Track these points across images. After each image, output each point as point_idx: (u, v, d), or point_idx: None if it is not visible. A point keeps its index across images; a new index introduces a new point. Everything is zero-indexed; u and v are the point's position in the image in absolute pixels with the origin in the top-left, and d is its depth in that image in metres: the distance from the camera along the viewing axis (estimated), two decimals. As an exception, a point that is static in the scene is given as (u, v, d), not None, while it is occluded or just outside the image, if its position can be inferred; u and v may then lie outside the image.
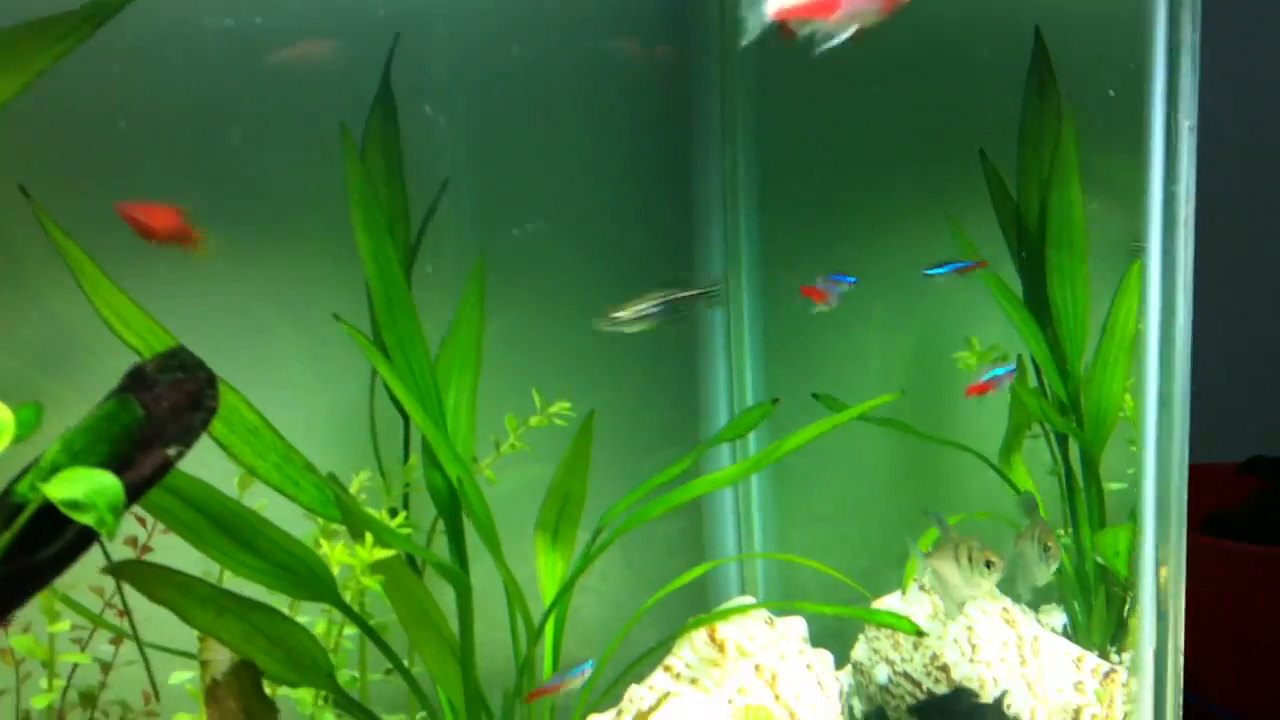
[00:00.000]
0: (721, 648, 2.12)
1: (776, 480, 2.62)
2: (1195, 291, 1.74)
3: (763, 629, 2.17)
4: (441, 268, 2.22)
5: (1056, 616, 2.55)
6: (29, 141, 1.91)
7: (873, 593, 2.24)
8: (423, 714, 2.04)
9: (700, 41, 2.51)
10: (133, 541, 1.83)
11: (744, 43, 1.57)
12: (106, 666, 1.82)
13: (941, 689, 2.22)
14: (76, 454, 1.29)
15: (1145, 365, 1.79)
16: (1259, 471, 3.17)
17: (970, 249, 2.38)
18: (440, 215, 2.20)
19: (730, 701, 2.05)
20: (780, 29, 1.53)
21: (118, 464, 1.30)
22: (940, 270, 2.24)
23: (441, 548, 2.05)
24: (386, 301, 1.92)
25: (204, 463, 1.70)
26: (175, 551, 1.71)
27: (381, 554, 1.82)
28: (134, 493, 1.29)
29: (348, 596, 1.87)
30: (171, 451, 1.33)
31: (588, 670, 1.94)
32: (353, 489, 2.03)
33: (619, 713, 2.12)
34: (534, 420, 2.09)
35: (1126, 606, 2.37)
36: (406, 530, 2.06)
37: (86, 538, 1.28)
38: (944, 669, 2.23)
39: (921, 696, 2.24)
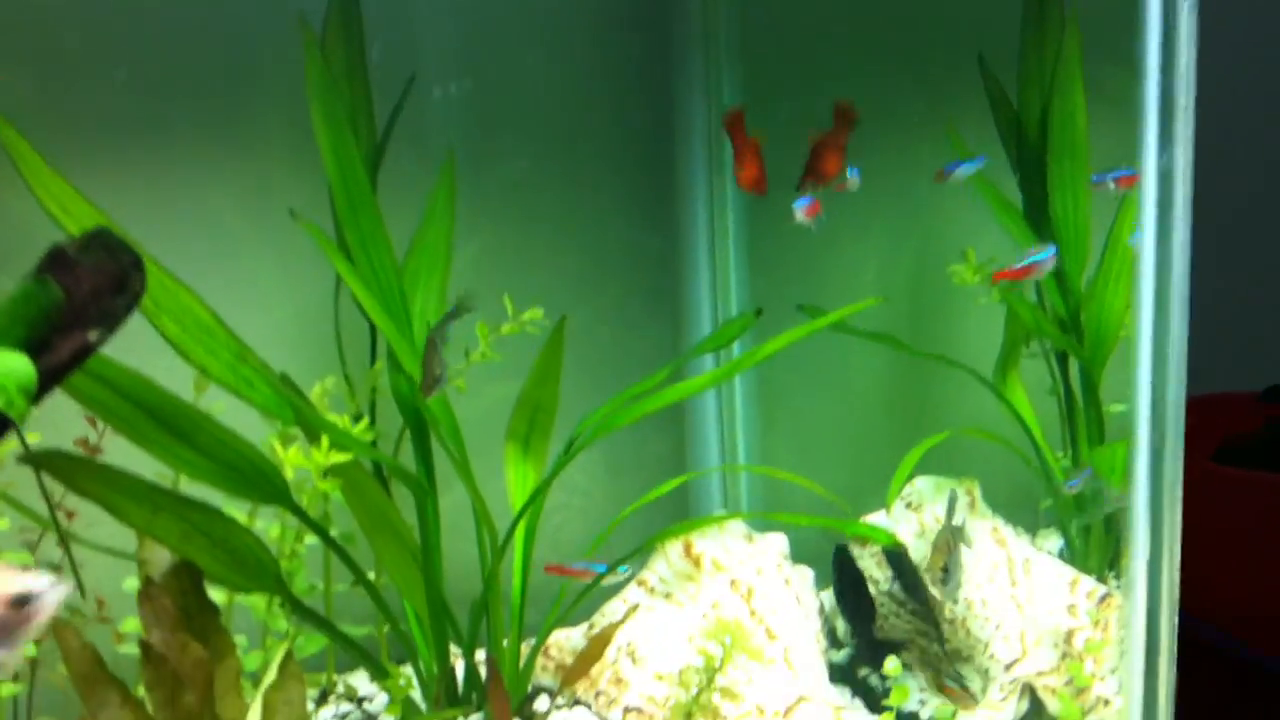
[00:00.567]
0: (697, 562, 2.06)
1: (762, 398, 2.54)
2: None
3: (741, 544, 2.11)
4: (413, 171, 2.14)
5: (1054, 541, 2.48)
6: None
7: (858, 511, 2.17)
8: (388, 627, 1.99)
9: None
10: (84, 443, 1.78)
11: None
12: (57, 569, 1.77)
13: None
14: (-10, 336, 1.23)
15: (1140, 276, 1.70)
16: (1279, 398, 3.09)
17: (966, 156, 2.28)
18: (411, 117, 2.12)
19: (704, 616, 2.00)
20: None
21: (34, 347, 1.24)
22: (1107, 176, 2.09)
23: (410, 459, 1.99)
24: (348, 198, 1.85)
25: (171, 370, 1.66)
26: (134, 459, 1.65)
27: (338, 458, 1.76)
28: (50, 377, 1.25)
29: (304, 501, 1.82)
30: (92, 336, 1.28)
31: (621, 572, 1.91)
32: (315, 395, 1.96)
33: (591, 626, 2.07)
34: (506, 328, 2.01)
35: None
36: (369, 436, 2.00)
37: (2, 424, 1.23)
38: (929, 587, 2.16)
39: (907, 616, 2.18)
